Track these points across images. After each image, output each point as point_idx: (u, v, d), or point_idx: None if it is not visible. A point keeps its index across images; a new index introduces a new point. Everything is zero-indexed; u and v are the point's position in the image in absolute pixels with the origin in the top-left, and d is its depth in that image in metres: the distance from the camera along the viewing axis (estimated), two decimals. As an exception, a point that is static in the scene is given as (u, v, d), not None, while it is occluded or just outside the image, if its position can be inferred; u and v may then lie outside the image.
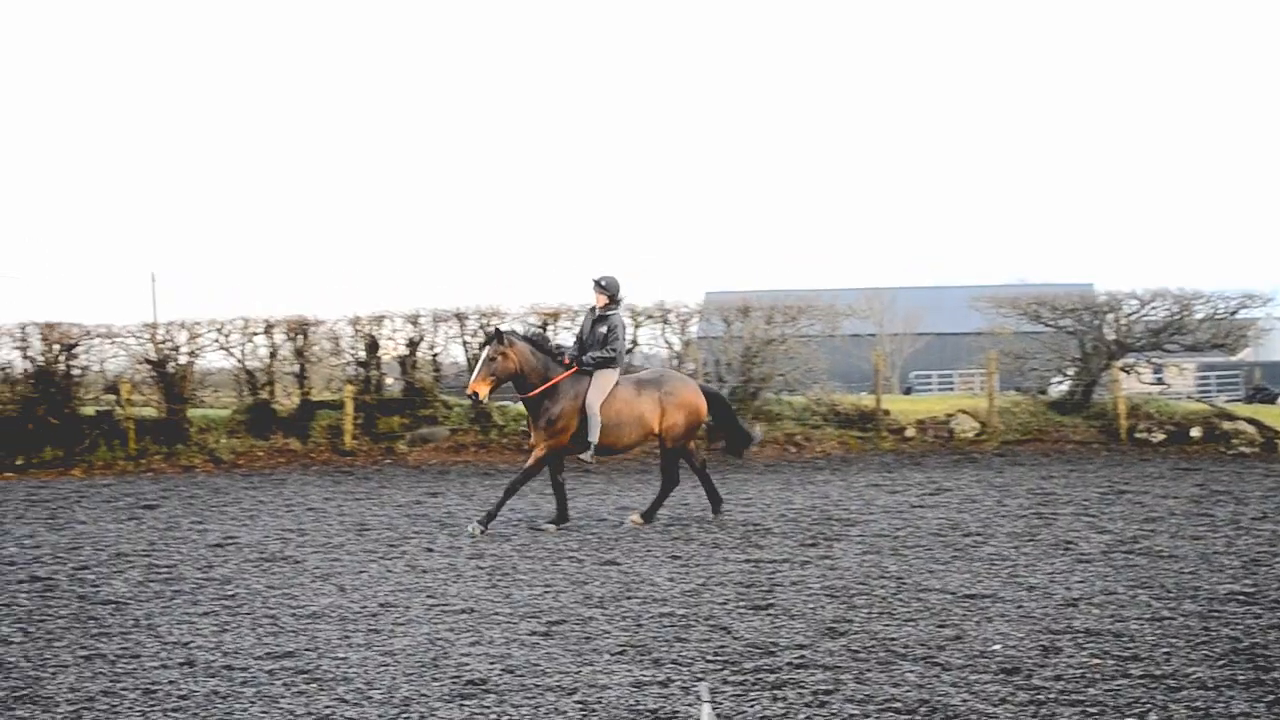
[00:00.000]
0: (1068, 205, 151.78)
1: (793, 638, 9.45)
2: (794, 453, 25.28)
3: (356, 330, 27.13)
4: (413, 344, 27.14)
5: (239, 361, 27.31)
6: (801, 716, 7.42)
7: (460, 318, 26.68)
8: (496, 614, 10.50)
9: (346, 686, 8.32)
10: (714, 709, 5.67)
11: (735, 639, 9.46)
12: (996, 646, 9.06)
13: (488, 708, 7.77)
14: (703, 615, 10.29)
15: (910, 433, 26.67)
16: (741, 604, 10.71)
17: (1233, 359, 46.19)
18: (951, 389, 58.56)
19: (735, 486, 19.81)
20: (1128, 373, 27.54)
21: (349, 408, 26.22)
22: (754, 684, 8.17)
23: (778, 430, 25.99)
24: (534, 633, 9.79)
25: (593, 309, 16.35)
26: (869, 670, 8.46)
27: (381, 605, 10.97)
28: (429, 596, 11.32)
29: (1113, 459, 23.91)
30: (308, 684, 8.42)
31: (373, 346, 27.21)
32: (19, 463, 25.81)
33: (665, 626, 9.91)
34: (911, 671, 8.39)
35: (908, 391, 59.38)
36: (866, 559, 12.90)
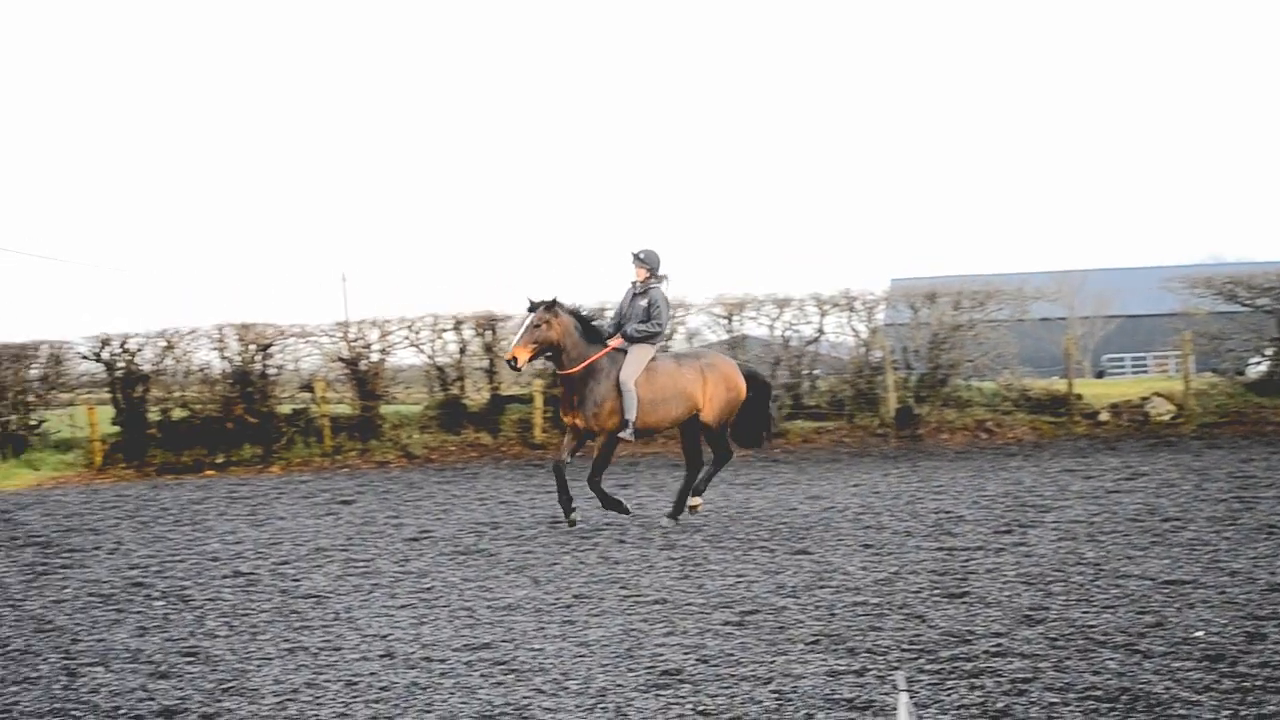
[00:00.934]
0: (1264, 179, 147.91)
1: (989, 626, 9.35)
2: (985, 439, 24.98)
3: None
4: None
5: (429, 358, 27.68)
6: (999, 705, 7.33)
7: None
8: (690, 604, 10.53)
9: (543, 677, 8.40)
10: (910, 698, 5.63)
11: (930, 627, 9.38)
12: (1199, 633, 8.88)
13: (683, 698, 7.79)
14: (897, 604, 10.22)
15: (1104, 417, 26.20)
16: (936, 592, 10.62)
17: None
18: (1145, 372, 57.52)
19: (926, 474, 19.64)
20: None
21: (538, 401, 26.46)
22: (950, 672, 8.10)
23: (968, 416, 25.72)
24: (727, 623, 9.80)
25: (633, 284, 15.81)
26: (1068, 658, 8.33)
27: (575, 597, 11.06)
28: (622, 588, 11.39)
29: (1316, 440, 23.27)
30: (505, 675, 8.52)
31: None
32: (219, 460, 26.46)
33: (859, 615, 9.86)
34: (1112, 659, 8.25)
35: (1100, 375, 58.41)
36: (1062, 545, 12.71)
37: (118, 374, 27.84)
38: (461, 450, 26.06)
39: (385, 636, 9.84)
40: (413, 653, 9.26)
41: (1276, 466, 19.10)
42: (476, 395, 27.85)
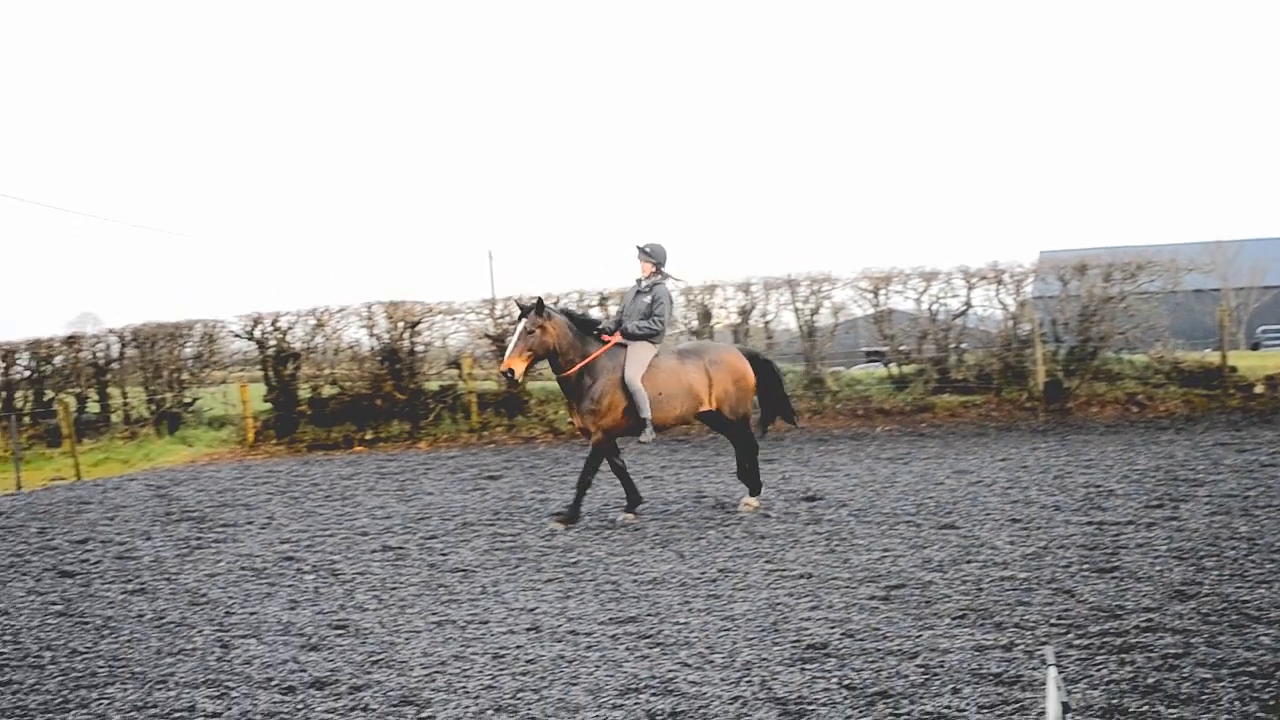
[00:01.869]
0: None
1: (1139, 601, 9.20)
2: (1136, 413, 24.55)
3: (689, 300, 27.32)
4: (744, 312, 27.21)
5: (575, 334, 27.77)
6: (1150, 680, 7.22)
7: (791, 284, 26.65)
8: (835, 579, 10.49)
9: (688, 651, 8.42)
10: (1059, 673, 5.57)
11: (1079, 602, 9.26)
12: (1358, 609, 8.68)
13: (828, 671, 7.77)
14: (1045, 579, 10.10)
15: (1259, 389, 25.62)
16: (1085, 567, 10.47)
17: None
18: (1302, 343, 56.30)
19: (1075, 448, 19.37)
20: None
21: (682, 376, 26.41)
22: (1100, 648, 7.99)
23: (1118, 390, 25.31)
24: (873, 597, 9.75)
25: (638, 280, 15.08)
26: (1220, 634, 8.18)
27: (720, 571, 11.06)
28: (767, 562, 11.37)
29: None
30: (650, 648, 8.54)
31: (705, 315, 27.37)
32: (369, 437, 26.81)
33: (1007, 590, 9.76)
34: (1266, 635, 8.08)
35: (1255, 347, 57.26)
36: (1215, 520, 12.47)
37: (269, 352, 28.28)
38: (606, 426, 26.09)
39: (531, 610, 9.91)
40: (559, 626, 9.32)
41: None
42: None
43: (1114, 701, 6.90)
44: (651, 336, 14.68)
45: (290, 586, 11.40)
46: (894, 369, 26.78)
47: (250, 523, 15.60)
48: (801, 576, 10.63)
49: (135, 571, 12.58)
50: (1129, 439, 20.68)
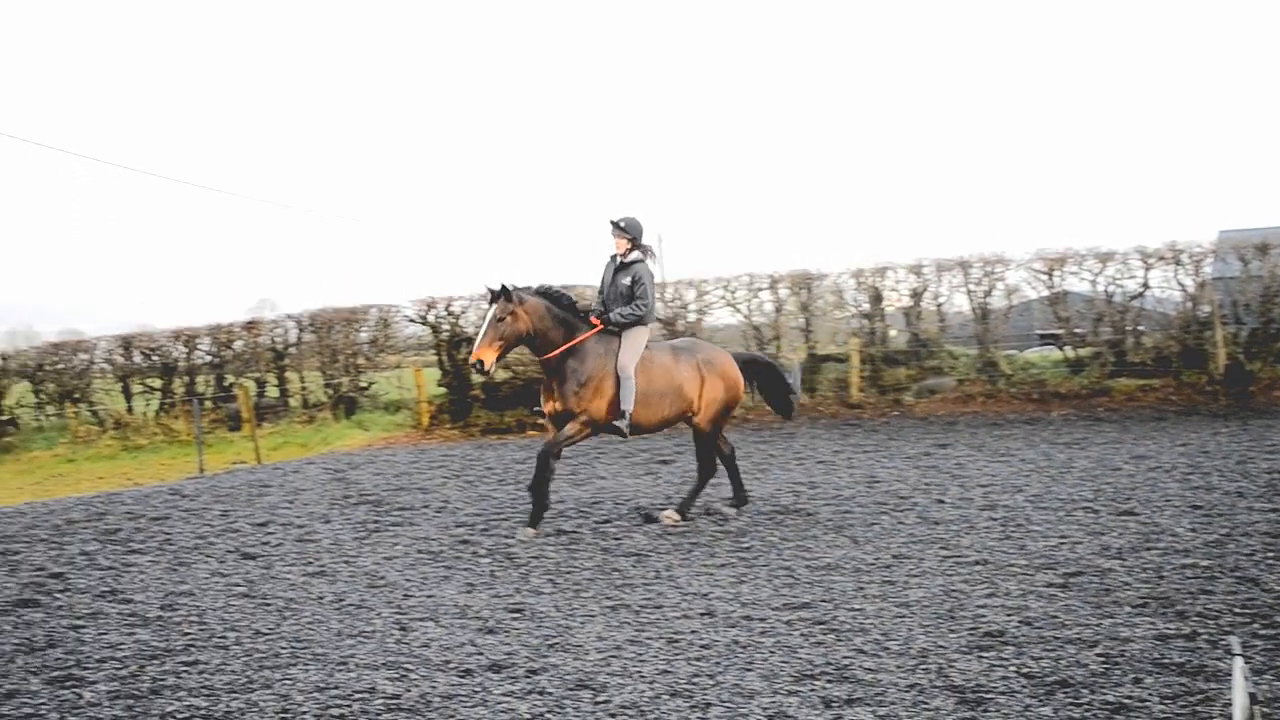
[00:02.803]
0: None
1: (1328, 590, 9.00)
2: (1321, 396, 23.94)
3: (859, 282, 27.15)
4: (916, 294, 26.97)
5: (745, 317, 27.76)
6: (1341, 673, 7.06)
7: (964, 266, 26.33)
8: (1011, 565, 10.38)
9: (863, 637, 8.39)
10: (1246, 663, 5.46)
11: (1265, 591, 9.07)
12: None
13: (1006, 659, 7.70)
14: (1229, 566, 9.90)
15: None
16: (1270, 555, 10.25)
17: None
18: None
19: (1258, 433, 18.93)
20: None
21: (854, 360, 26.30)
22: (1287, 638, 7.83)
23: (1302, 373, 24.68)
24: (1051, 584, 9.64)
25: (613, 257, 13.93)
26: None
27: (894, 557, 11.00)
28: (942, 548, 11.28)
29: None
30: (825, 634, 8.53)
31: (876, 298, 27.19)
32: (541, 422, 26.95)
33: (1189, 578, 9.59)
34: None
35: None
36: (1407, 507, 12.14)
37: (442, 336, 28.57)
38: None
39: (705, 595, 9.93)
40: (733, 611, 9.33)
41: None
42: (793, 354, 27.84)
43: (1302, 694, 6.76)
44: (638, 322, 13.63)
45: (466, 570, 11.54)
46: (1069, 352, 26.37)
47: (426, 506, 15.79)
48: (977, 563, 10.54)
49: (315, 554, 12.81)
50: (1314, 423, 20.17)
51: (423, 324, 29.13)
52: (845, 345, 26.89)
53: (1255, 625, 8.17)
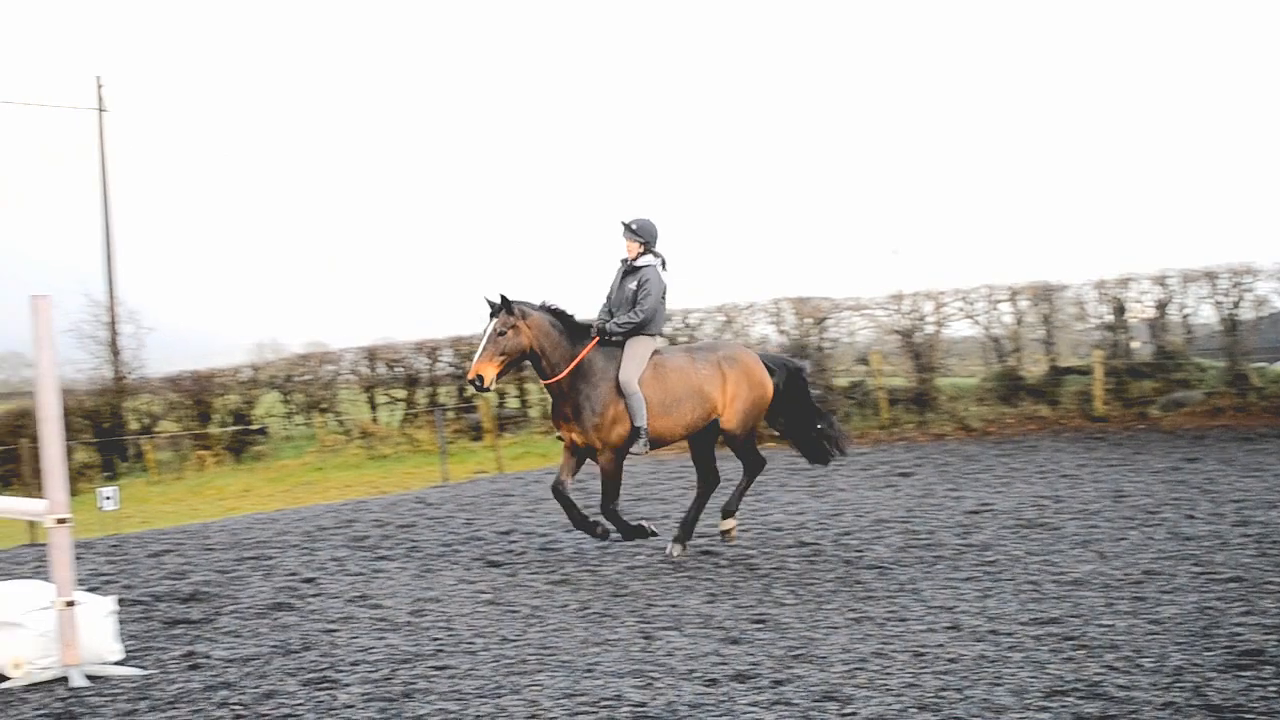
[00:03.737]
0: None
1: None
2: None
3: (1101, 294, 26.67)
4: (1161, 306, 26.39)
5: (984, 329, 27.44)
6: None
7: (1211, 277, 25.67)
8: (1269, 583, 10.08)
9: (1114, 654, 8.22)
10: None
11: None
12: None
13: (1265, 679, 7.49)
14: None
15: None
16: None
17: None
18: None
19: None
20: None
21: (1098, 373, 25.81)
22: None
23: None
24: (1311, 603, 9.36)
25: (624, 261, 13.19)
26: None
27: (1145, 573, 10.76)
28: (1194, 564, 11.00)
29: None
30: (1074, 650, 8.38)
31: (1119, 309, 26.67)
32: (777, 433, 26.93)
33: None
34: None
35: None
36: None
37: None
38: (1020, 423, 25.67)
39: (950, 609, 9.83)
40: (979, 625, 9.22)
41: None
42: (1034, 366, 27.44)
43: None
44: (635, 331, 12.84)
45: (709, 580, 11.57)
46: (1323, 364, 25.56)
47: (666, 517, 15.87)
48: (1232, 580, 10.26)
49: (558, 563, 12.96)
50: None
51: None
52: (1088, 357, 26.41)
53: None
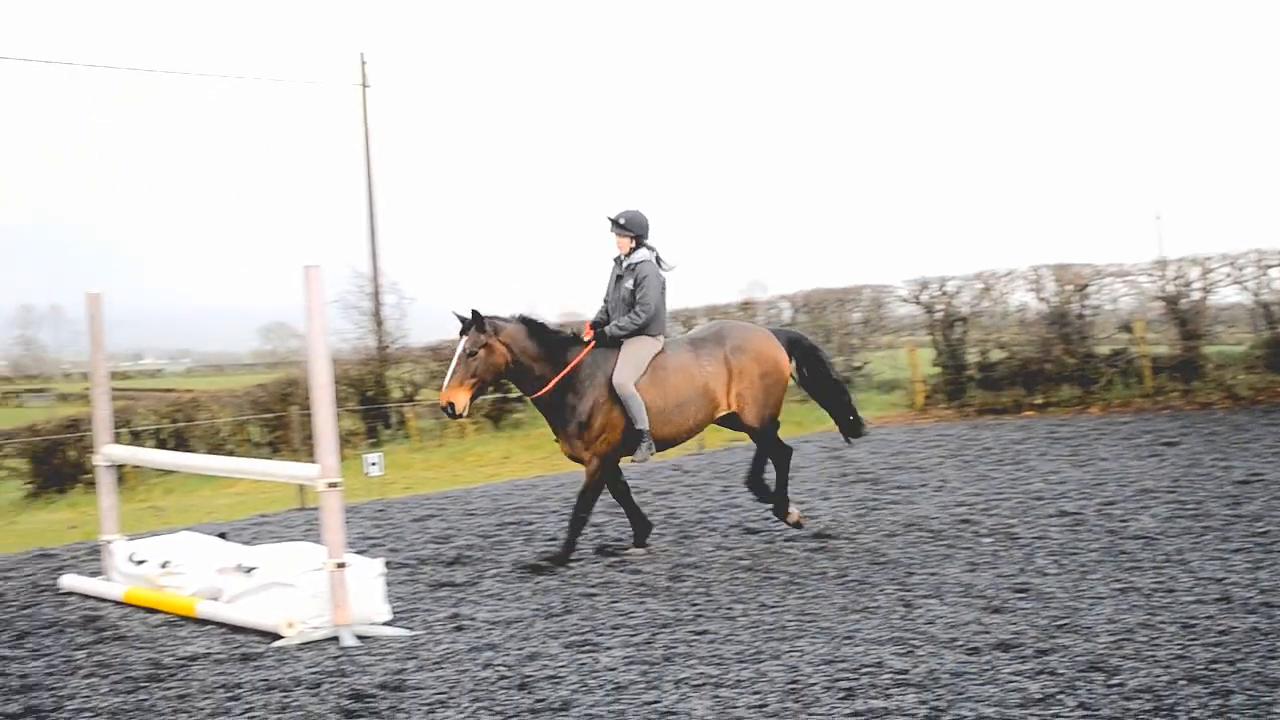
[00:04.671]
0: None
1: None
2: None
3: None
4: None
5: (1254, 295, 26.59)
6: None
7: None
8: None
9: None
10: None
11: None
12: None
13: None
14: None
15: None
16: None
17: None
18: None
19: None
20: None
21: (1373, 339, 24.85)
22: None
23: None
24: None
25: (617, 259, 12.28)
26: None
27: None
28: None
29: None
30: (1354, 624, 8.13)
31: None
32: (1038, 401, 26.54)
33: None
34: None
35: None
36: None
37: (936, 316, 28.48)
38: (1290, 392, 24.83)
39: (1220, 580, 9.58)
40: (1250, 598, 8.98)
41: None
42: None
43: None
44: (638, 332, 12.01)
45: (968, 549, 11.46)
46: None
47: (924, 485, 15.76)
48: None
49: (814, 530, 12.93)
50: None
51: (916, 304, 29.07)
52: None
53: None
